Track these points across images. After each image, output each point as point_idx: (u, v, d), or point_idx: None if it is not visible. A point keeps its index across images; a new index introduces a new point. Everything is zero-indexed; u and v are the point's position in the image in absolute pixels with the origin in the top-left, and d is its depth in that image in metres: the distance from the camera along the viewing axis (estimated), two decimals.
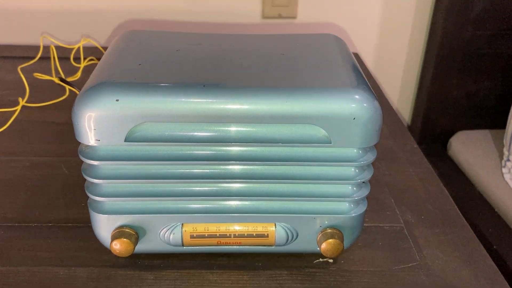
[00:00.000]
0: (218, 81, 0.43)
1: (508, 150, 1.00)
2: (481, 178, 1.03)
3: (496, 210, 0.97)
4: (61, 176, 0.63)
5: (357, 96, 0.43)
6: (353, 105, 0.42)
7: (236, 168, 0.46)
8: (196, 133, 0.43)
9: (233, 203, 0.47)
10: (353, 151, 0.45)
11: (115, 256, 0.50)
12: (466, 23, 1.08)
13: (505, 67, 1.14)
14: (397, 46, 1.19)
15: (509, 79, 1.15)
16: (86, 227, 0.54)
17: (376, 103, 0.43)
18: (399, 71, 1.22)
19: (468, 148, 1.13)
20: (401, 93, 1.25)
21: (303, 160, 0.45)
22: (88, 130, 0.42)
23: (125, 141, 0.43)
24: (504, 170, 1.01)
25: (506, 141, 1.01)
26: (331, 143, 0.44)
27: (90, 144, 0.43)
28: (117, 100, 0.41)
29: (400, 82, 1.24)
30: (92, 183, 0.46)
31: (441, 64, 1.13)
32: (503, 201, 0.96)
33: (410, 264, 0.51)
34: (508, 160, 1.00)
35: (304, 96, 0.42)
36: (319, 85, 0.44)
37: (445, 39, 1.10)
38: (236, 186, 0.46)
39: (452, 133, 1.20)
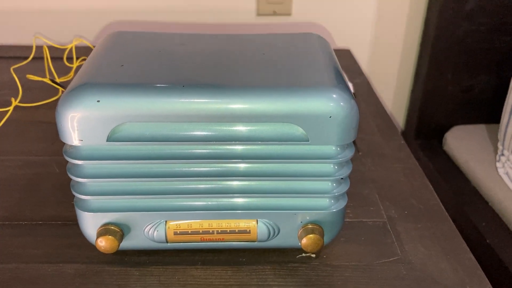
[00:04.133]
0: (197, 81, 0.44)
1: (502, 145, 1.00)
2: (475, 172, 1.04)
3: (490, 204, 0.97)
4: (52, 175, 0.64)
5: (334, 95, 0.43)
6: (330, 104, 0.43)
7: (217, 166, 0.47)
8: (175, 133, 0.44)
9: (215, 200, 0.48)
10: (331, 149, 0.46)
11: (103, 252, 0.51)
12: (460, 19, 1.08)
13: (500, 62, 1.14)
14: (392, 42, 1.19)
15: (503, 73, 1.15)
16: (75, 225, 0.55)
17: (353, 102, 0.44)
18: (394, 67, 1.23)
19: (463, 143, 1.13)
20: (396, 88, 1.26)
21: (283, 158, 0.46)
22: (71, 130, 0.43)
23: (107, 140, 0.44)
24: (498, 164, 1.02)
25: (500, 135, 1.01)
26: (308, 141, 0.45)
27: (73, 144, 0.44)
28: (98, 101, 0.42)
29: (395, 78, 1.24)
30: (77, 182, 0.47)
31: (436, 59, 1.13)
32: (497, 195, 0.96)
33: (391, 259, 0.52)
34: (502, 154, 1.01)
35: (281, 95, 0.43)
36: (297, 84, 0.44)
37: (439, 35, 1.10)
38: (217, 184, 0.47)
39: (447, 128, 1.21)
